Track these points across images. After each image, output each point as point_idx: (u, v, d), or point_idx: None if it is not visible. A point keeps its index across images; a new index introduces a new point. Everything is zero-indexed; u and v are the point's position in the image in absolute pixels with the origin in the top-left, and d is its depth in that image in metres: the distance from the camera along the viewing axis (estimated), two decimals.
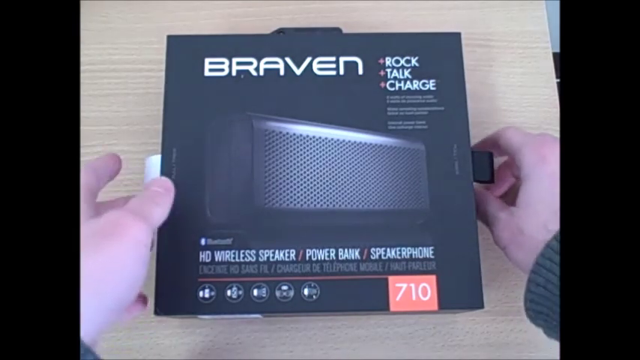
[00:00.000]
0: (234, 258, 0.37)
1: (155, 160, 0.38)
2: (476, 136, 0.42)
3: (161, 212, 0.33)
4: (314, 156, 0.38)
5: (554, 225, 0.33)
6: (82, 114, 0.47)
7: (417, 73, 0.40)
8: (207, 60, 0.40)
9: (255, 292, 0.36)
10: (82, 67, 0.49)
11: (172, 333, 0.43)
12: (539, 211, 0.34)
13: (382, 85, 0.40)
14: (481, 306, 0.37)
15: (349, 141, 0.39)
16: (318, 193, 0.38)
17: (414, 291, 0.37)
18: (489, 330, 0.44)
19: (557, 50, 0.36)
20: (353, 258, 0.37)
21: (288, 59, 0.40)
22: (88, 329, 0.27)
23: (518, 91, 0.49)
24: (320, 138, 0.39)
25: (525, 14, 0.52)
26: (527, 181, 0.36)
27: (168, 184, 0.35)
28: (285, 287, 0.36)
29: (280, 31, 0.45)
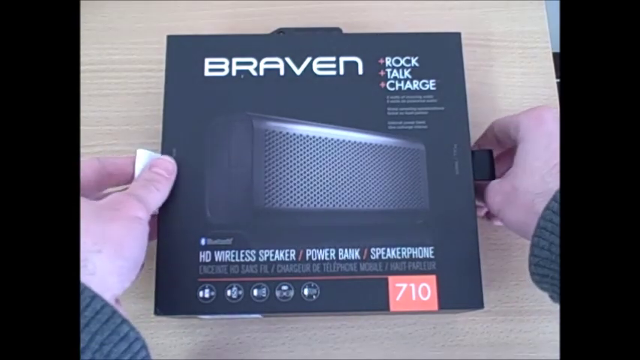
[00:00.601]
0: (234, 258, 0.37)
1: (141, 154, 0.38)
2: (476, 136, 0.42)
3: (159, 197, 0.36)
4: (314, 156, 0.38)
5: (551, 178, 0.33)
6: (82, 114, 0.47)
7: (417, 73, 0.40)
8: (207, 60, 0.40)
9: (255, 292, 0.36)
10: (82, 67, 0.49)
11: (172, 333, 0.43)
12: (535, 167, 0.35)
13: (382, 85, 0.40)
14: (481, 306, 0.37)
15: (349, 141, 0.39)
16: (318, 193, 0.38)
17: (414, 291, 0.37)
18: (489, 330, 0.44)
19: (557, 50, 0.36)
20: (353, 258, 0.37)
21: (288, 59, 0.40)
22: (116, 286, 0.31)
23: (518, 91, 0.49)
24: (320, 138, 0.39)
25: (525, 14, 0.52)
26: (523, 142, 0.36)
27: (170, 166, 0.37)
28: (285, 287, 0.36)
29: (280, 31, 0.45)
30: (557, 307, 0.44)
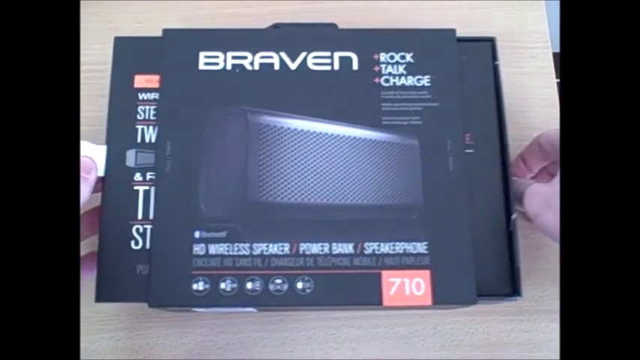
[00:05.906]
0: (227, 251, 0.37)
1: (92, 150, 0.39)
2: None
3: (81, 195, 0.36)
4: (308, 150, 0.38)
5: None
6: (82, 114, 0.47)
7: (411, 69, 0.40)
8: (202, 54, 0.40)
9: (249, 285, 0.36)
10: (82, 67, 0.49)
11: (172, 333, 0.44)
12: None
13: (376, 80, 0.40)
14: (474, 302, 0.36)
15: (343, 136, 0.39)
16: (312, 187, 0.38)
17: (407, 286, 0.37)
18: (489, 330, 0.44)
19: (557, 50, 0.36)
20: (347, 252, 0.37)
21: (283, 54, 0.40)
22: None
23: (519, 91, 0.49)
24: (314, 133, 0.39)
25: (525, 14, 0.52)
26: None
27: (87, 165, 0.37)
28: (278, 281, 0.36)
29: (276, 27, 0.45)
30: (557, 307, 0.44)
